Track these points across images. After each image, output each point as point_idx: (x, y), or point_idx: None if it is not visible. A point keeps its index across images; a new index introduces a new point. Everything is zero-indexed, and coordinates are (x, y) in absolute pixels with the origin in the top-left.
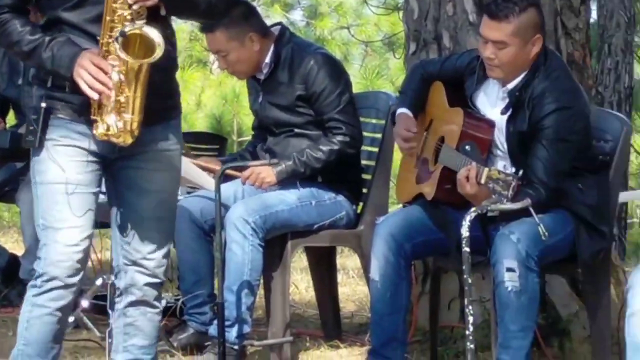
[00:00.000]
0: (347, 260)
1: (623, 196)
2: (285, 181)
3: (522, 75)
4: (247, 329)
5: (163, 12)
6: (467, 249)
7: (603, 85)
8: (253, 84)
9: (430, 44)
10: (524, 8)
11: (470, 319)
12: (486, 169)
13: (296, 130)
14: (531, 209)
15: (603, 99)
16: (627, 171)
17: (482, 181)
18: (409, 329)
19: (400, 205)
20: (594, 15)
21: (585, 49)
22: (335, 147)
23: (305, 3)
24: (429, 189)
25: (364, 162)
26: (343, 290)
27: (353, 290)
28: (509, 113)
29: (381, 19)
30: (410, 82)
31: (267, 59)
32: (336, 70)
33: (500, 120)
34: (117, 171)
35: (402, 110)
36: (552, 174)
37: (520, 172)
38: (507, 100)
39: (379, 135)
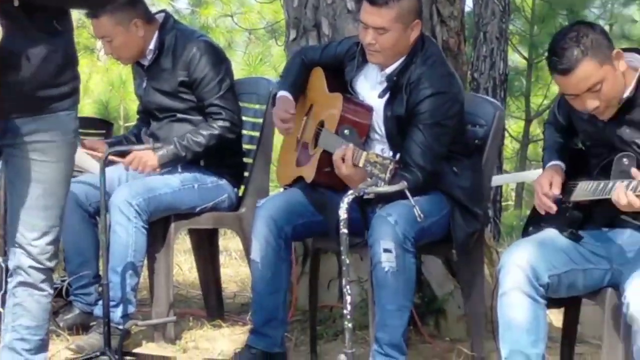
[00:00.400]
0: (229, 242)
1: (498, 179)
2: (167, 165)
3: (400, 61)
4: (131, 309)
5: (16, 2)
6: (346, 231)
7: (479, 72)
8: (137, 69)
9: (310, 31)
10: None
11: (348, 298)
12: (364, 153)
13: (179, 115)
14: (407, 192)
15: (479, 85)
16: (502, 155)
17: (360, 164)
18: (289, 309)
19: (282, 189)
20: (469, 3)
21: (460, 36)
22: (215, 132)
23: None
24: (308, 172)
25: (245, 146)
26: (225, 272)
27: (235, 272)
28: (386, 97)
29: (264, 7)
30: (291, 67)
31: (151, 46)
32: (218, 58)
33: (379, 105)
34: (8, 158)
35: (281, 93)
36: (428, 157)
37: (398, 156)
38: (385, 85)
39: (260, 120)
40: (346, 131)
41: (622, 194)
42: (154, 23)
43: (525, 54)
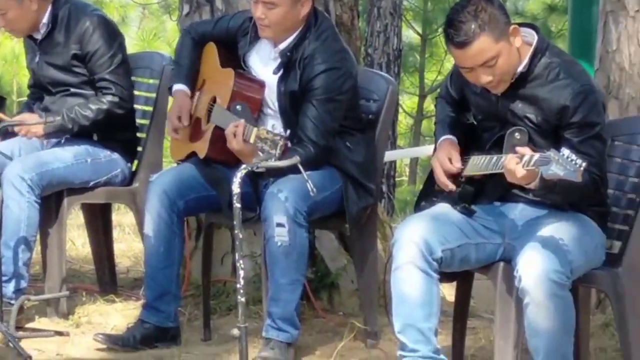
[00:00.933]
0: (123, 217)
1: (391, 155)
2: (53, 135)
3: (293, 36)
4: (24, 284)
5: None
6: (239, 205)
7: (372, 48)
8: (30, 43)
9: (203, 5)
10: None
11: (242, 273)
12: (255, 129)
13: (72, 89)
14: (300, 166)
15: (372, 60)
16: (396, 131)
17: (251, 140)
18: (183, 283)
19: (175, 164)
20: None
21: (353, 11)
22: (104, 107)
23: None
24: (201, 147)
25: (139, 121)
26: (119, 246)
27: (128, 246)
28: (280, 73)
29: None
30: (183, 49)
31: (45, 19)
32: (111, 32)
33: (273, 80)
34: None
35: (178, 87)
36: (321, 132)
37: (288, 132)
38: (279, 61)
39: (153, 95)
40: (238, 107)
41: (513, 165)
42: None
43: (419, 30)
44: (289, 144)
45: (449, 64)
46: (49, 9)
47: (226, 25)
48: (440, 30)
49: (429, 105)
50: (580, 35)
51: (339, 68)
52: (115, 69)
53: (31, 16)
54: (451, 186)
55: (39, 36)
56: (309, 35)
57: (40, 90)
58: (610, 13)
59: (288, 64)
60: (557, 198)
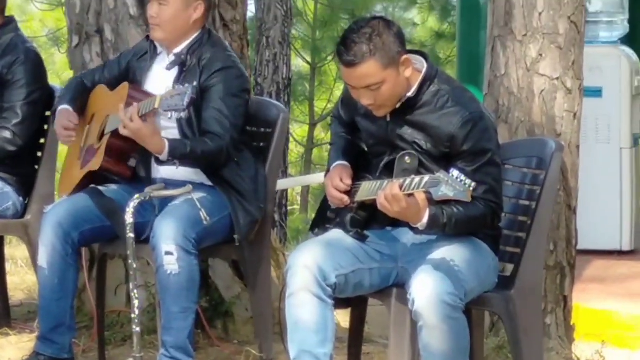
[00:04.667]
0: (15, 250)
1: (283, 183)
2: None
3: (188, 42)
4: None
5: None
6: (132, 235)
7: (262, 77)
8: None
9: (93, 36)
10: None
11: (136, 302)
12: (158, 96)
13: None
14: (192, 195)
15: (262, 89)
16: (287, 159)
17: (157, 105)
18: (76, 315)
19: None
20: (252, 8)
21: (242, 40)
22: None
23: None
24: (95, 162)
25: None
26: (12, 280)
27: (22, 279)
28: (176, 74)
29: (46, 14)
30: (69, 85)
31: None
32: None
33: (169, 84)
34: None
35: (61, 107)
36: (225, 126)
37: (195, 83)
38: (173, 60)
39: (45, 127)
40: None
41: (380, 197)
42: None
43: (309, 59)
44: (194, 96)
45: (338, 92)
46: None
47: (117, 65)
48: (329, 58)
49: (319, 133)
50: (469, 60)
51: (237, 68)
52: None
53: None
54: (345, 199)
55: None
56: (204, 43)
57: None
58: (498, 38)
59: (183, 67)
60: (452, 233)
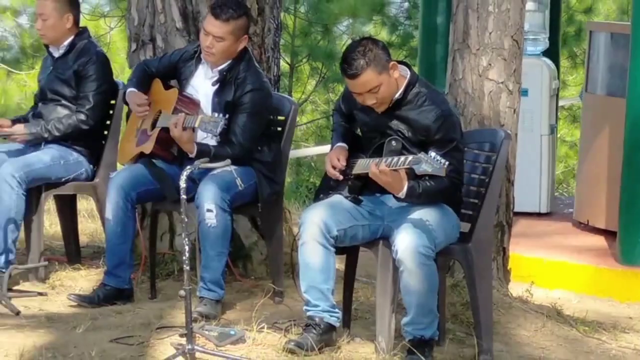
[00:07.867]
0: (79, 205)
1: (293, 153)
2: (32, 142)
3: (228, 62)
4: (12, 256)
5: None
6: (185, 196)
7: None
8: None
9: (147, 44)
10: (240, 15)
11: (187, 247)
12: (200, 116)
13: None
14: (231, 167)
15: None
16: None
17: (197, 124)
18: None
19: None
20: None
21: (261, 48)
22: (73, 123)
23: (31, 10)
24: (148, 146)
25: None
26: (81, 227)
27: (85, 226)
28: (217, 87)
29: (87, 23)
30: (135, 71)
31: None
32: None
33: (209, 92)
34: None
35: (129, 89)
36: (247, 137)
37: (227, 116)
38: (217, 77)
39: (110, 112)
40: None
41: (373, 167)
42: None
43: (289, 60)
44: (226, 127)
45: (310, 87)
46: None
47: (168, 59)
48: (304, 60)
49: (301, 118)
50: (427, 67)
51: (263, 89)
52: (97, 94)
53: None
54: (339, 176)
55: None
56: (242, 64)
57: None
58: (457, 50)
59: (224, 81)
60: (424, 202)
